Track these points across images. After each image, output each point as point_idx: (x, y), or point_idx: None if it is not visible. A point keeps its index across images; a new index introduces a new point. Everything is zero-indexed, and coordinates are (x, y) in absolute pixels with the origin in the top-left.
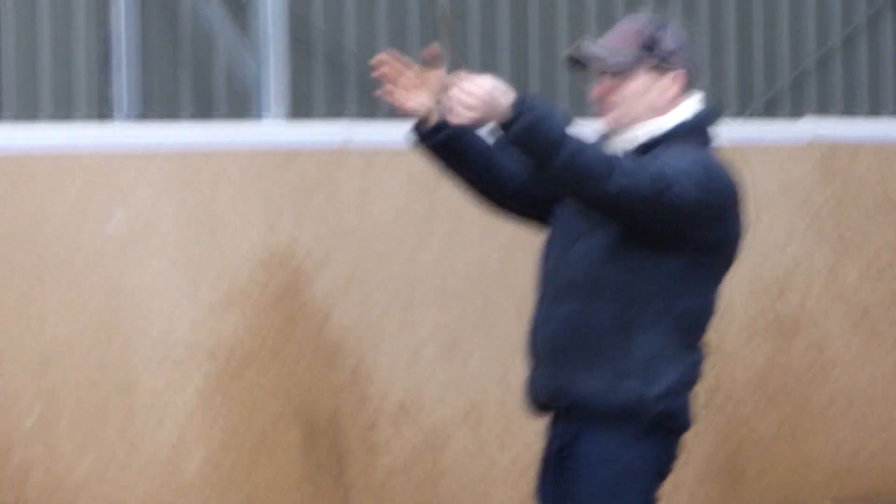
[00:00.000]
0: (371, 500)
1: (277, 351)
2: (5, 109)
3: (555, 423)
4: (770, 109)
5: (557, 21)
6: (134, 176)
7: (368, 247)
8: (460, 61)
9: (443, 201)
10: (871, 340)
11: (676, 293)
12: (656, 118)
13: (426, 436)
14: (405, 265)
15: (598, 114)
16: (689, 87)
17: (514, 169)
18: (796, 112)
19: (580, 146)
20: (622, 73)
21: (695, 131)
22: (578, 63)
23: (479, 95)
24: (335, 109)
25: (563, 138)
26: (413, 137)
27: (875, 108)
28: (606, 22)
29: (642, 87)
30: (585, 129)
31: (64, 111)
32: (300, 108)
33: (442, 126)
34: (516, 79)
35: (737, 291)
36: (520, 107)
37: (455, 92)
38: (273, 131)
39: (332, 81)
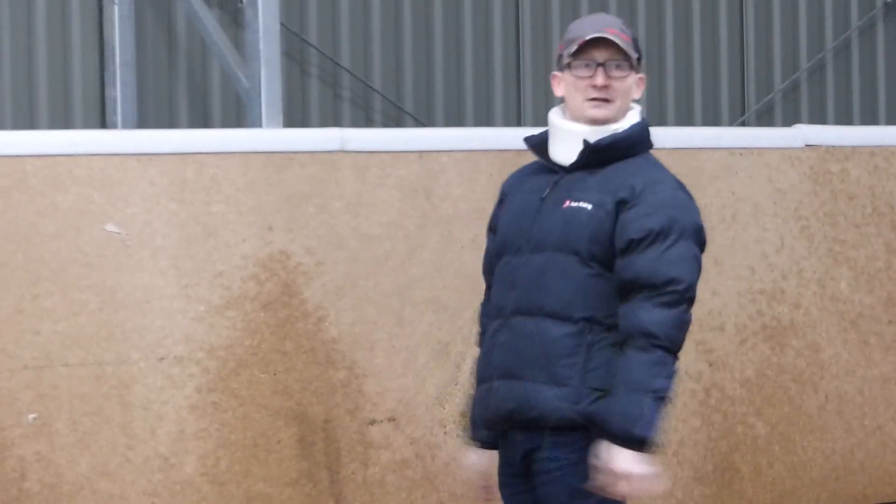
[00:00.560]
0: (366, 499)
1: (273, 352)
2: (6, 118)
3: (513, 433)
4: (764, 117)
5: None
6: (131, 181)
7: (362, 252)
8: None
9: (435, 209)
10: (862, 345)
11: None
12: (626, 119)
13: (420, 437)
14: (398, 271)
15: (588, 104)
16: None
17: None
18: (789, 120)
19: (668, 387)
20: (626, 65)
21: (647, 141)
22: (592, 46)
23: (642, 476)
24: (329, 118)
25: (664, 404)
26: None
27: (869, 117)
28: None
29: (629, 85)
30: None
31: (62, 118)
32: (295, 116)
33: None
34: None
35: (730, 296)
36: (644, 443)
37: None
38: (267, 138)
39: (326, 92)
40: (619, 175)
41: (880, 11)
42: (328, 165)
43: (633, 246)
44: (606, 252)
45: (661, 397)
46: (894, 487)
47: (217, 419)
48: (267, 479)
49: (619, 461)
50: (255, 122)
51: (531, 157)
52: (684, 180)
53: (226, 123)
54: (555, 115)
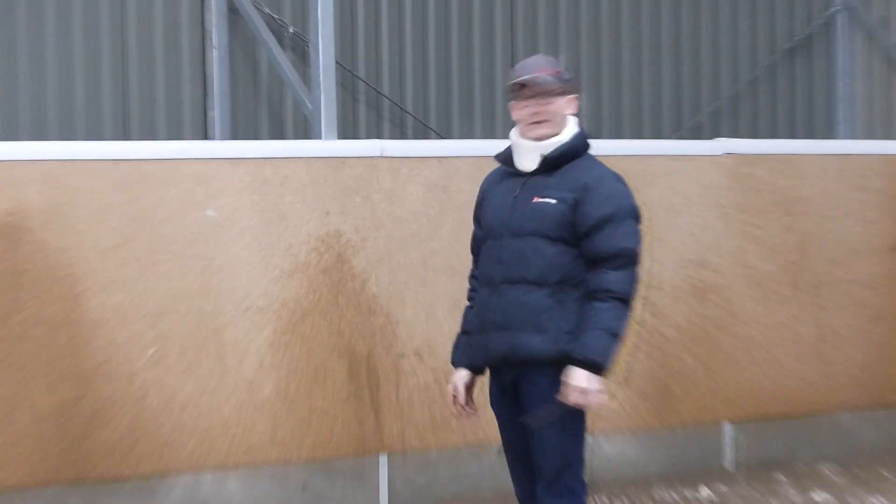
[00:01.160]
0: (397, 413)
1: (329, 305)
2: (133, 131)
3: (506, 368)
4: (694, 131)
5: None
6: (224, 179)
7: (395, 232)
8: None
9: (451, 200)
10: (764, 300)
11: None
12: (565, 133)
13: (438, 367)
14: (422, 246)
15: (528, 127)
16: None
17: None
18: (714, 134)
19: (621, 329)
20: (551, 95)
21: (586, 145)
22: (520, 87)
23: (594, 391)
24: (372, 132)
25: (617, 343)
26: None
27: (783, 131)
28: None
29: (560, 107)
30: None
31: (175, 131)
32: (347, 131)
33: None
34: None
35: (667, 264)
36: (602, 368)
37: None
38: (325, 147)
39: (370, 113)
40: (571, 175)
41: (780, 55)
42: (370, 167)
43: (592, 230)
44: (569, 233)
45: (615, 335)
46: (787, 404)
47: (288, 354)
48: (324, 398)
49: (580, 380)
50: (317, 136)
51: None
52: (637, 180)
53: (295, 136)
54: (514, 134)
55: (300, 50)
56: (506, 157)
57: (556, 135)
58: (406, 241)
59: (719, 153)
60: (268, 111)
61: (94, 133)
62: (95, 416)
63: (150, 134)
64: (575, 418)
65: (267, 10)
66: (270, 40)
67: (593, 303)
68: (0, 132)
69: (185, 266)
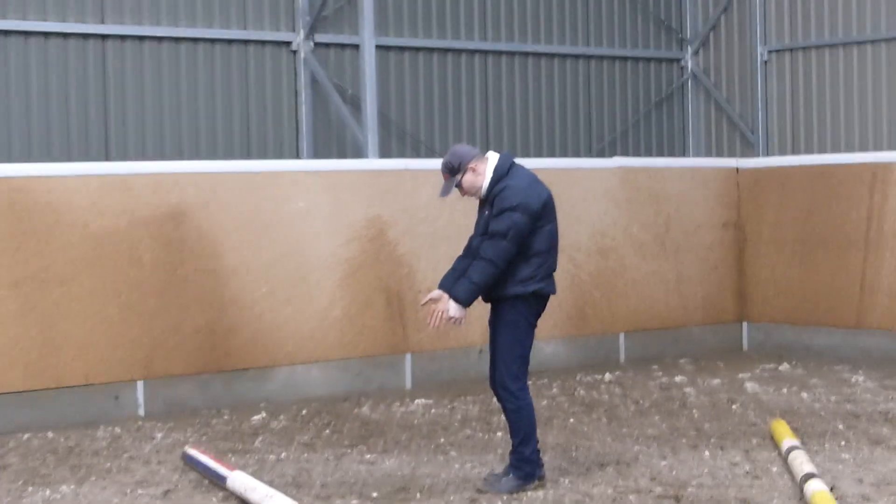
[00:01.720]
0: (416, 329)
1: (373, 262)
2: (252, 153)
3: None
4: (599, 152)
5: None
6: (309, 183)
7: (415, 217)
8: None
9: (449, 198)
10: (642, 259)
11: (529, 248)
12: (484, 180)
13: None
14: (431, 225)
15: (462, 194)
16: (483, 152)
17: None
18: (612, 154)
19: (480, 280)
20: (457, 176)
21: (505, 168)
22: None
23: (454, 315)
24: (401, 154)
25: (476, 288)
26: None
27: (658, 154)
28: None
29: (469, 179)
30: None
31: (278, 154)
32: (384, 153)
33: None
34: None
35: (583, 234)
36: (462, 301)
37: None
38: (371, 162)
39: (401, 143)
40: (495, 195)
41: (653, 104)
42: (398, 176)
43: (490, 221)
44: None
45: (475, 283)
46: (659, 321)
47: (348, 290)
48: (371, 318)
49: (450, 304)
50: (365, 156)
51: None
52: (562, 184)
53: (352, 157)
54: None
55: (357, 103)
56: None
57: (481, 184)
58: (421, 222)
59: (615, 166)
60: (336, 141)
61: (229, 153)
62: (230, 329)
63: (263, 155)
64: (523, 330)
65: (335, 80)
66: (336, 96)
67: (473, 261)
68: (159, 152)
69: (285, 236)
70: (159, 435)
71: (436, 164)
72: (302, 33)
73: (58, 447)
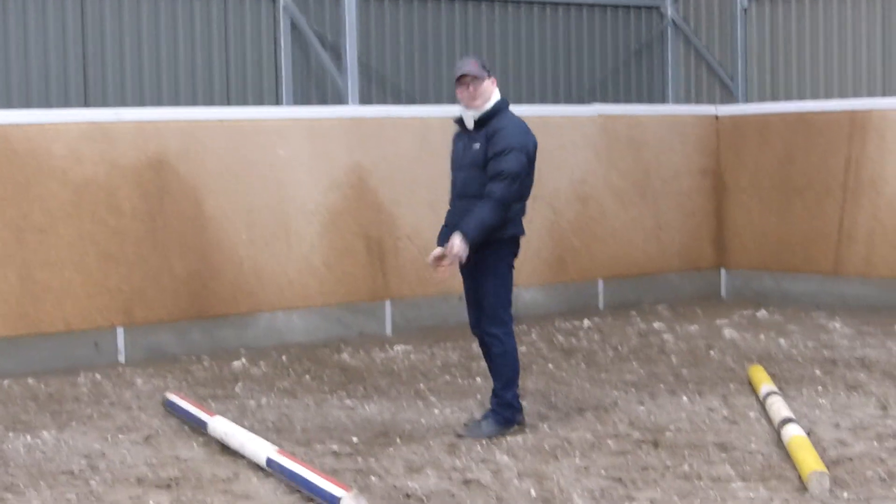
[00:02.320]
0: (396, 275)
1: (353, 209)
2: (232, 100)
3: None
4: (579, 99)
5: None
6: (290, 129)
7: (394, 163)
8: None
9: (428, 145)
10: (622, 206)
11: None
12: (487, 102)
13: (421, 246)
14: (410, 171)
15: (466, 101)
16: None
17: None
18: (591, 100)
19: (490, 219)
20: (480, 80)
21: (504, 107)
22: (460, 78)
23: (457, 252)
24: (380, 100)
25: (485, 228)
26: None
27: (637, 100)
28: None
29: (485, 87)
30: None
31: (258, 100)
32: (365, 100)
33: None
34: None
35: (563, 182)
36: (472, 239)
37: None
38: (352, 109)
39: (381, 91)
40: (490, 127)
41: (632, 52)
42: (379, 123)
43: (491, 159)
44: (484, 164)
45: (483, 221)
46: (637, 268)
47: (329, 237)
48: (351, 265)
49: (456, 240)
50: (346, 102)
51: None
52: (538, 134)
53: (333, 103)
54: (460, 106)
55: (337, 50)
56: (459, 120)
57: (486, 101)
58: (401, 169)
59: (594, 114)
60: (315, 88)
61: (208, 100)
62: (211, 276)
63: (243, 102)
64: (506, 274)
65: (315, 27)
66: (317, 44)
67: (480, 201)
68: (139, 99)
69: (266, 183)
70: (139, 381)
71: (417, 111)
72: None
73: (38, 393)
